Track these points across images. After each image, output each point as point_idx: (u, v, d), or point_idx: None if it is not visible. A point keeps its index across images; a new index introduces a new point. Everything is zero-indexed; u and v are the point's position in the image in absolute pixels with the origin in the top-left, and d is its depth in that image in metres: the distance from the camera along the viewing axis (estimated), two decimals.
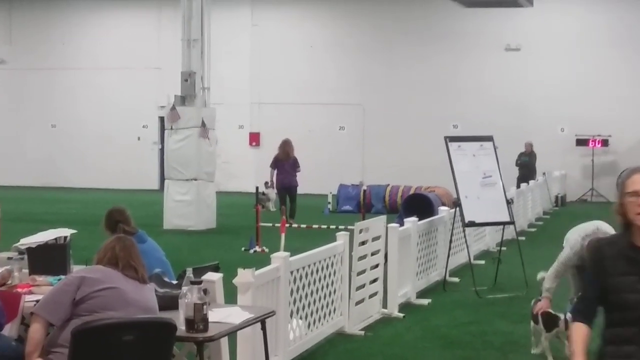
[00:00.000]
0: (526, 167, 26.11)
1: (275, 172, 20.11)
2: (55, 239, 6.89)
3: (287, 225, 18.61)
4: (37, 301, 5.43)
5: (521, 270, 11.88)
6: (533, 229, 19.90)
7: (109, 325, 4.93)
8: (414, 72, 29.60)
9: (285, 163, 19.87)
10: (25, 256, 6.72)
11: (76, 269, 6.06)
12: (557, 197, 26.40)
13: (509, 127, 27.33)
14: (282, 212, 15.37)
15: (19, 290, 6.10)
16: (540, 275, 8.49)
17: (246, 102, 30.97)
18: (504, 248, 13.39)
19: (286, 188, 19.99)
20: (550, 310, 8.04)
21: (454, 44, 29.30)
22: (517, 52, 29.02)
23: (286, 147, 20.03)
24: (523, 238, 16.69)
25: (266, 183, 24.35)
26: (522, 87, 28.74)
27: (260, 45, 30.92)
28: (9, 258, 6.86)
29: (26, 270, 6.56)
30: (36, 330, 5.16)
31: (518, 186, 20.76)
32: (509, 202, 12.41)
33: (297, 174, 19.96)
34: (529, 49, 28.82)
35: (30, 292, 6.08)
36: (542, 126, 28.26)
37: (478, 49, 29.19)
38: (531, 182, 22.37)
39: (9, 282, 6.27)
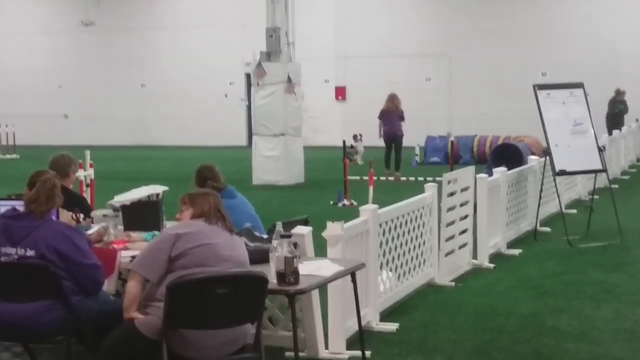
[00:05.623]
0: (618, 114, 25.51)
1: (382, 123, 20.55)
2: (148, 196, 7.02)
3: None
4: (133, 257, 5.56)
5: (614, 219, 11.67)
6: (626, 177, 19.50)
7: (203, 279, 5.01)
8: (499, 19, 29.06)
9: (392, 114, 20.34)
10: (120, 213, 6.86)
11: (169, 225, 6.17)
12: None
13: (600, 73, 26.68)
14: (370, 164, 15.31)
15: (115, 246, 6.25)
16: None
17: (331, 56, 30.90)
18: (596, 196, 13.14)
19: (391, 138, 20.39)
20: None
21: None
22: None
23: (394, 100, 20.53)
24: (616, 186, 16.38)
25: (355, 136, 24.37)
26: (612, 32, 27.95)
27: None
28: (105, 215, 7.00)
29: (121, 227, 6.71)
30: (133, 286, 5.27)
31: (610, 133, 20.33)
32: (601, 150, 12.18)
33: (402, 125, 20.34)
34: None
35: (126, 248, 6.22)
36: (634, 71, 27.49)
37: None
38: (624, 128, 21.87)
39: (105, 238, 6.43)
